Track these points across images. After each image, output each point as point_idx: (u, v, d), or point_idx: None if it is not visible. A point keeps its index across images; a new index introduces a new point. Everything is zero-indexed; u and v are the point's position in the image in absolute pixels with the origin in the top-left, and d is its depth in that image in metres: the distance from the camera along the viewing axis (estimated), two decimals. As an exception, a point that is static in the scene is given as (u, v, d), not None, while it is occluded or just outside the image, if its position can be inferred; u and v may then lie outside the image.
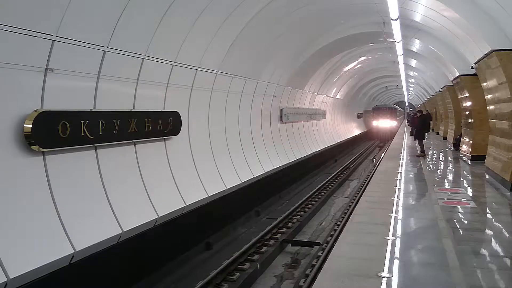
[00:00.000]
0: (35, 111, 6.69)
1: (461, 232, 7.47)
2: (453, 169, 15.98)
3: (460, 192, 11.00)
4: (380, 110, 55.14)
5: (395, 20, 12.87)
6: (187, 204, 10.69)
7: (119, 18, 7.95)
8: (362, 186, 19.65)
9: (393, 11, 11.85)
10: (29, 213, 6.62)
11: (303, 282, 9.22)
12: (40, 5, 6.39)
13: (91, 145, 8.00)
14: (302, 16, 14.90)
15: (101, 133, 8.09)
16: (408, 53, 22.49)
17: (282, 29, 15.03)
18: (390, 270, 5.39)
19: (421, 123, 19.25)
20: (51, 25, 6.69)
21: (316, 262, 10.28)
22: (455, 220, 8.12)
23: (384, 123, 52.96)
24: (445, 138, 27.94)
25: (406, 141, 27.54)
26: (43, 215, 6.87)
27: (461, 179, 13.60)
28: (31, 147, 6.63)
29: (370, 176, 18.81)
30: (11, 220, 6.30)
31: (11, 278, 5.91)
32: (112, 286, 8.19)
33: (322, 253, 10.79)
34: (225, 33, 11.92)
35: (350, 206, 16.36)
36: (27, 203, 6.64)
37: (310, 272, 9.69)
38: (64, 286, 6.98)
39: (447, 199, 9.93)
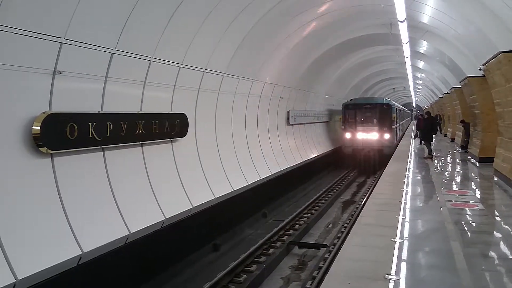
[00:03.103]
0: (43, 113, 6.73)
1: (469, 234, 7.42)
2: (461, 171, 15.89)
3: (468, 194, 10.93)
4: (358, 110, 27.32)
5: (402, 21, 12.84)
6: (194, 205, 10.70)
7: (127, 20, 7.99)
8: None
9: (400, 13, 11.82)
10: (37, 215, 6.66)
11: (310, 284, 9.20)
12: (48, 7, 6.44)
13: (99, 146, 8.04)
14: (309, 18, 14.90)
15: (108, 135, 8.13)
16: (415, 54, 22.42)
17: (288, 31, 15.03)
18: (397, 273, 5.36)
19: (429, 125, 19.15)
20: (59, 27, 6.73)
21: (323, 264, 10.25)
22: (463, 223, 8.08)
23: (366, 136, 26.67)
24: (453, 140, 27.80)
25: (413, 143, 27.42)
26: (51, 216, 6.91)
27: (469, 181, 13.52)
28: (40, 149, 6.68)
29: (378, 178, 18.73)
30: (19, 221, 6.34)
31: (19, 279, 5.95)
32: (120, 287, 8.21)
33: (329, 255, 10.77)
34: (232, 35, 11.95)
35: (357, 208, 16.30)
36: (35, 205, 6.68)
37: (317, 274, 9.67)
38: (72, 287, 7.01)
39: (455, 201, 9.88)
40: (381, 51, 25.26)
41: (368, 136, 26.35)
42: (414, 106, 77.76)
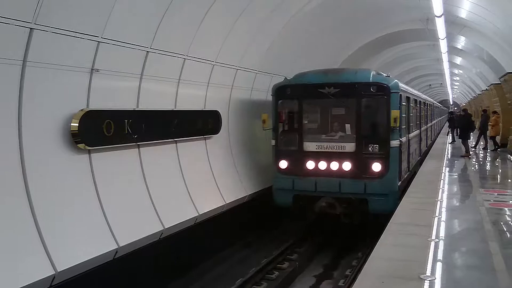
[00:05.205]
0: (81, 110, 6.91)
1: (508, 235, 7.20)
2: (500, 170, 15.42)
3: (507, 193, 10.60)
4: (310, 102, 11.56)
5: (439, 16, 12.57)
6: (226, 202, 10.78)
7: (162, 19, 8.11)
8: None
9: (437, 8, 11.58)
10: (76, 210, 6.85)
11: (343, 283, 9.13)
12: (86, 7, 6.60)
13: (134, 143, 8.19)
14: (343, 14, 14.77)
15: (144, 132, 8.28)
16: (452, 50, 21.90)
17: (323, 27, 14.93)
18: (432, 273, 5.26)
19: (465, 123, 18.65)
20: (97, 26, 6.90)
21: (357, 263, 10.15)
22: (502, 223, 7.84)
23: (325, 166, 10.72)
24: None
25: (448, 141, 26.74)
26: (89, 211, 7.10)
27: (509, 180, 13.11)
28: (78, 145, 6.87)
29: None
30: (58, 216, 6.54)
31: (58, 271, 6.15)
32: (154, 281, 8.36)
33: (362, 254, 10.65)
34: (265, 32, 11.95)
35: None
36: (74, 200, 6.88)
37: (350, 272, 9.58)
38: (108, 280, 7.18)
39: (494, 200, 9.60)
40: (417, 47, 24.80)
41: (331, 166, 10.79)
42: (451, 103, 75.99)
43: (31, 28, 5.83)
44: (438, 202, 9.23)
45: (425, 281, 4.99)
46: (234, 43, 10.88)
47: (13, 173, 5.97)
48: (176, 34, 8.82)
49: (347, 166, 10.57)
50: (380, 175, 10.46)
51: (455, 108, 67.25)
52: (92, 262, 6.78)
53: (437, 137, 31.33)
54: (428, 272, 5.25)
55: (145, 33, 8.03)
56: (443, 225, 7.58)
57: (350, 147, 10.72)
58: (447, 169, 14.65)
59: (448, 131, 25.16)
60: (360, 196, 10.54)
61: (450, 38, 18.25)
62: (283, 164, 11.14)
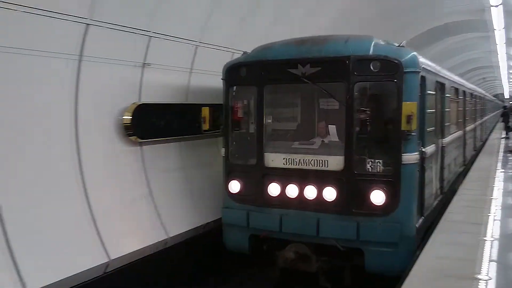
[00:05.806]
0: (134, 103, 7.10)
1: None
2: (559, 168, 14.65)
3: None
4: (274, 89, 7.27)
5: (497, 6, 12.05)
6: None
7: (211, 13, 8.19)
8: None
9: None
10: (128, 201, 7.08)
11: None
12: (138, 2, 6.76)
13: (185, 136, 8.31)
14: (394, 3, 14.47)
15: (193, 125, 8.37)
16: (510, 42, 21.00)
17: (372, 15, 14.66)
18: (487, 273, 5.09)
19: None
20: (148, 21, 7.05)
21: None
22: (562, 223, 7.48)
23: (296, 192, 6.64)
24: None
25: (503, 135, 25.65)
26: (140, 204, 7.33)
27: None
28: (130, 137, 7.06)
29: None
30: (112, 207, 6.77)
31: (112, 259, 6.37)
32: (203, 271, 8.47)
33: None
34: (313, 23, 11.83)
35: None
36: (127, 192, 7.11)
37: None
38: (158, 269, 7.36)
39: (553, 200, 9.17)
40: (470, 39, 23.93)
41: (306, 192, 6.65)
42: (507, 97, 72.88)
43: (87, 24, 6.02)
44: (493, 200, 8.91)
45: (480, 281, 4.84)
46: (279, 35, 10.81)
47: (70, 164, 6.22)
48: (224, 27, 8.88)
49: (330, 193, 6.52)
50: (384, 210, 6.35)
51: (511, 102, 64.43)
52: (143, 251, 6.97)
53: (489, 135, 26.30)
54: (484, 272, 5.09)
55: (195, 28, 8.14)
56: (497, 224, 7.31)
57: (336, 162, 6.59)
58: (501, 165, 14.08)
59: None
60: (350, 244, 6.49)
61: (508, 29, 17.50)
62: (235, 186, 7.15)
